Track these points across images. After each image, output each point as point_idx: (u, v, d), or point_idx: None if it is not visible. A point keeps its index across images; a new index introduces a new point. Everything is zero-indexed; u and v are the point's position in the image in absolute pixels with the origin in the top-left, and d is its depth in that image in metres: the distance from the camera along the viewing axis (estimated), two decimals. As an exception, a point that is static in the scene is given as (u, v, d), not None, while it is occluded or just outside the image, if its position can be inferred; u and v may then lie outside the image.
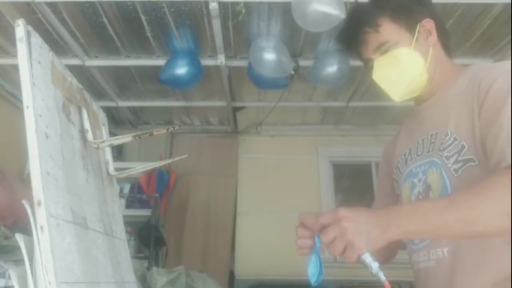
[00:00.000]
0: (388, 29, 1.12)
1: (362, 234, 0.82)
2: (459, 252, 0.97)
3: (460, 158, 0.98)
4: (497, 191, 0.82)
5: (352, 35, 1.18)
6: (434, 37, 1.13)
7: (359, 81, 3.24)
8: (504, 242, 0.91)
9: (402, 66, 1.11)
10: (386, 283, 0.83)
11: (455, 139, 1.01)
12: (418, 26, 1.12)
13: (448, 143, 1.02)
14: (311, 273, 0.92)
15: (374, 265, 0.83)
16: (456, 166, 0.98)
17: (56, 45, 2.67)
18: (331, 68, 2.77)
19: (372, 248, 0.83)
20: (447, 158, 1.01)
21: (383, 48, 1.13)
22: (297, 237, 0.93)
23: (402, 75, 1.12)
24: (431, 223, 0.84)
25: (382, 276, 0.83)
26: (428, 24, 1.13)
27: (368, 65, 1.19)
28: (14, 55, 1.68)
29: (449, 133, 1.03)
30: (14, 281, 0.94)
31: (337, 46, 1.30)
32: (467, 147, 0.97)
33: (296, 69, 2.84)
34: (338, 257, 0.85)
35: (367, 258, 0.83)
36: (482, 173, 0.93)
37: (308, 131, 4.31)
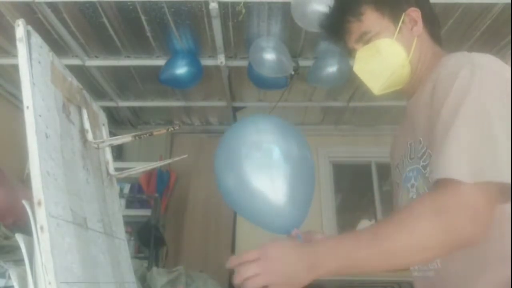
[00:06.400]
0: (370, 18, 1.08)
1: (278, 277, 0.80)
2: (451, 261, 0.93)
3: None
4: (415, 223, 0.79)
5: (336, 23, 1.14)
6: (419, 27, 1.08)
7: (359, 81, 3.23)
8: (499, 254, 0.87)
9: (383, 57, 1.07)
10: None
11: (424, 147, 0.97)
12: (403, 16, 1.07)
13: (422, 152, 0.99)
14: None
15: None
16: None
17: (56, 45, 2.66)
18: (331, 68, 2.77)
19: None
20: (424, 167, 0.98)
21: (365, 38, 1.09)
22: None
23: (383, 67, 1.08)
24: (354, 258, 0.81)
25: None
26: (414, 13, 1.08)
27: (352, 56, 1.15)
28: (14, 55, 1.68)
29: (421, 141, 0.99)
30: (14, 281, 0.94)
31: (322, 34, 1.25)
32: None
33: (296, 69, 2.84)
34: None
35: None
36: None
37: (308, 131, 4.29)
